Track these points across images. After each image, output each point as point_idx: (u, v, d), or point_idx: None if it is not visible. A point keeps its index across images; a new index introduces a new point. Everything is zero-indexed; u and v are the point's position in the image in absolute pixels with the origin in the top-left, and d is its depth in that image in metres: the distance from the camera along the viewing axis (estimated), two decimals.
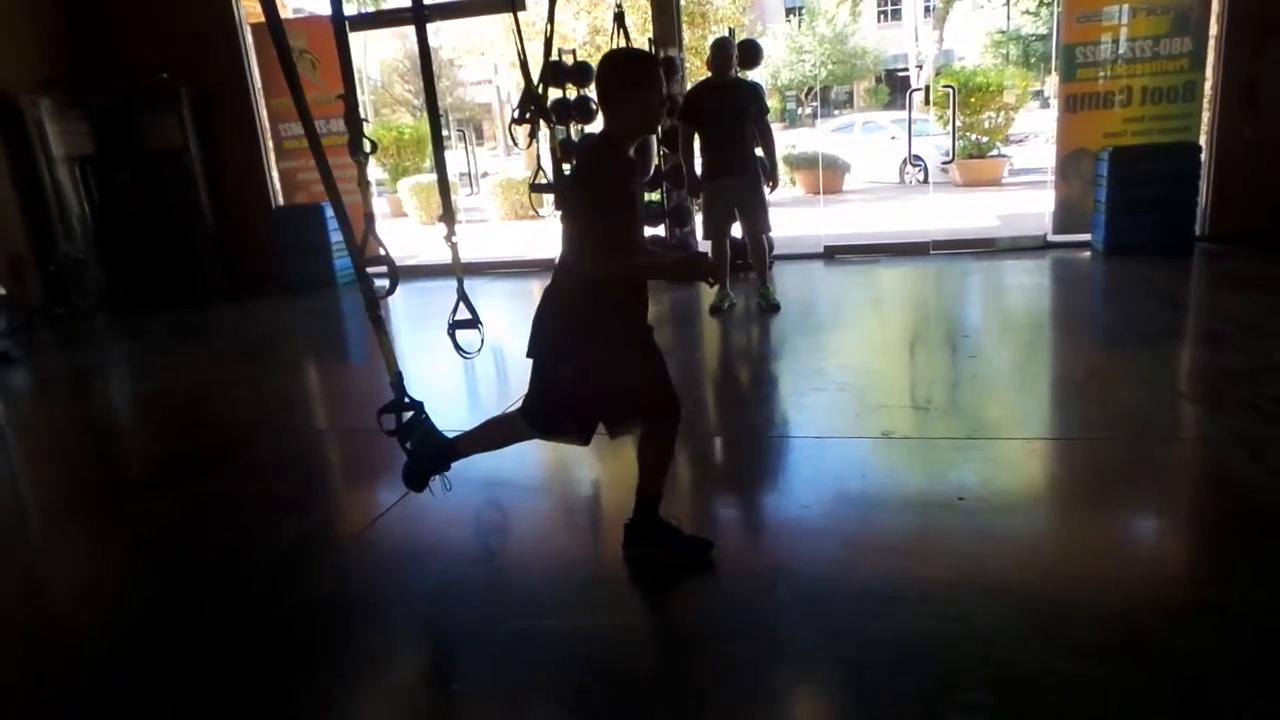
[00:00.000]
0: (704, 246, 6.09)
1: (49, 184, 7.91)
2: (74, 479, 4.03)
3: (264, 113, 8.59)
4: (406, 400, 2.80)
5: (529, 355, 2.48)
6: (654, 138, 7.04)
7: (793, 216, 9.81)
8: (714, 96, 5.59)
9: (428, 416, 2.83)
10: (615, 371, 2.40)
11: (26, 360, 6.30)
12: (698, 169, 5.79)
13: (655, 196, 7.72)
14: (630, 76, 2.32)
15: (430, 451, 2.77)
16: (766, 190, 5.72)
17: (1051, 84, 9.31)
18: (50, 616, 2.78)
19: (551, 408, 2.48)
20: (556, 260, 2.44)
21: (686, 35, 10.37)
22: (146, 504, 3.57)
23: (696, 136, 5.74)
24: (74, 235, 8.10)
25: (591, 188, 2.34)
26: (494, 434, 2.76)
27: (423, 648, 2.40)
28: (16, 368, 6.09)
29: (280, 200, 8.80)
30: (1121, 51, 6.95)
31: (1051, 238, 7.54)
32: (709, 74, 5.86)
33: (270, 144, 8.71)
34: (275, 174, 8.77)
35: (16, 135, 7.74)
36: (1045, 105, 20.02)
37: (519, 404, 2.60)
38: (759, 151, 5.71)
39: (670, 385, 2.49)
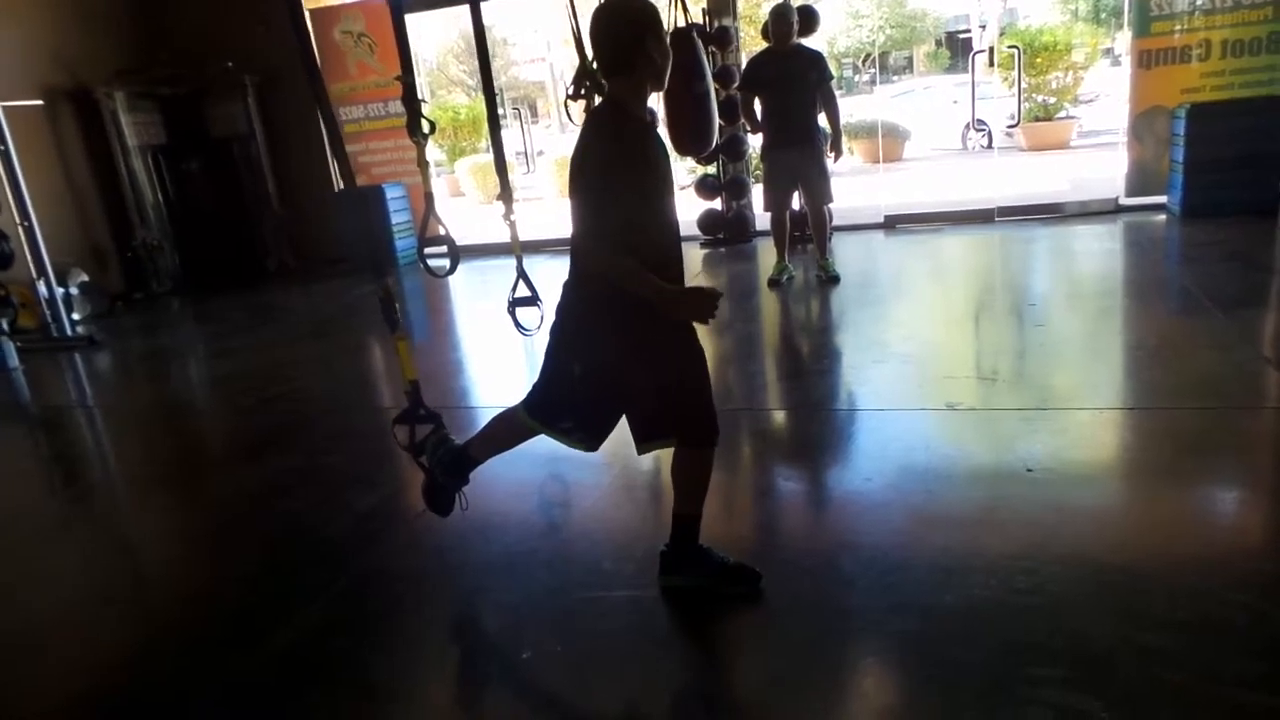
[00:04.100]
0: (764, 217, 6.07)
1: (125, 174, 8.22)
2: (158, 454, 4.22)
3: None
4: (422, 412, 2.58)
5: (548, 346, 2.27)
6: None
7: (852, 186, 9.63)
8: (775, 65, 5.52)
9: (445, 429, 2.60)
10: (634, 375, 2.14)
11: (110, 343, 6.58)
12: (757, 140, 5.74)
13: (711, 169, 7.67)
14: (636, 32, 1.95)
15: (444, 462, 2.53)
16: (829, 160, 5.64)
17: (1124, 40, 8.90)
18: (139, 581, 2.93)
19: (554, 401, 2.27)
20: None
21: (740, 4, 10.20)
22: (226, 477, 3.73)
23: (757, 103, 5.70)
24: (149, 223, 8.41)
25: (601, 167, 1.99)
26: (501, 431, 2.49)
27: (491, 617, 2.46)
28: (101, 351, 6.37)
29: (341, 183, 8.99)
30: (1199, 2, 6.62)
31: (1124, 201, 7.26)
32: (766, 44, 5.78)
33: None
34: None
35: (94, 128, 8.05)
36: (1116, 63, 19.16)
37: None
38: (822, 121, 5.63)
39: (710, 405, 2.21)
